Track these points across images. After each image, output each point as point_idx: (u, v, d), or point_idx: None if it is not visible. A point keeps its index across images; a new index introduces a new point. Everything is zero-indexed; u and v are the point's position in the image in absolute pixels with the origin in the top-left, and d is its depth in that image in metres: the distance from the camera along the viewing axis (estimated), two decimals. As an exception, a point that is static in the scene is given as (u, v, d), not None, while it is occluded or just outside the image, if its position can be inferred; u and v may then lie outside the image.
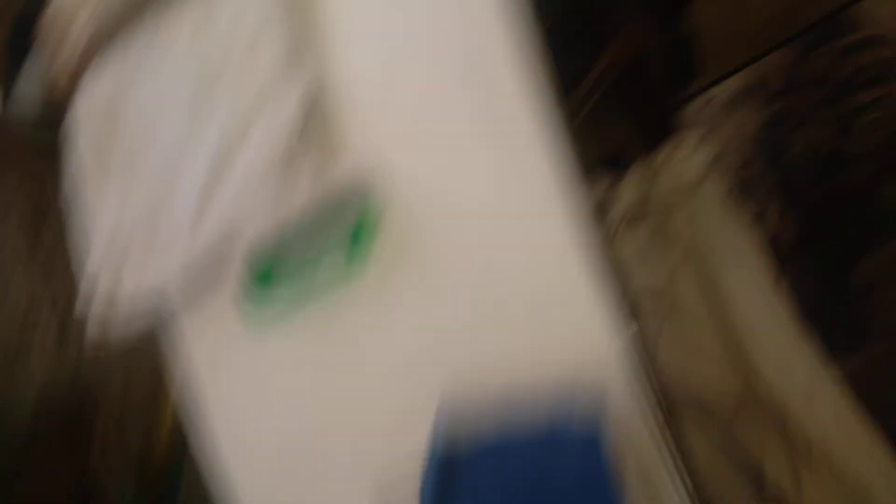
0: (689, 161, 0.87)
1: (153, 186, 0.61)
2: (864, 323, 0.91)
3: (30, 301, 1.08)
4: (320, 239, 0.57)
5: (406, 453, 0.51)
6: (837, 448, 0.75)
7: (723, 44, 1.19)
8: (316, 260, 0.56)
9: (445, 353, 0.55)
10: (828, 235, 1.04)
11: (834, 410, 0.78)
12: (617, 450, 0.48)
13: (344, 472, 0.56)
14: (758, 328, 0.78)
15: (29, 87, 0.68)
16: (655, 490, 0.49)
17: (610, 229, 0.89)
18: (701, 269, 0.84)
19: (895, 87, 1.24)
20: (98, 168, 0.63)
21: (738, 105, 1.16)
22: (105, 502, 1.06)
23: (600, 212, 0.91)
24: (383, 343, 0.57)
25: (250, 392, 0.59)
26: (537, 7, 0.55)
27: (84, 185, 0.63)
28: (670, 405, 0.50)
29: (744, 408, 0.80)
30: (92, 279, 0.59)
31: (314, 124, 0.58)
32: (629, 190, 0.91)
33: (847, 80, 1.26)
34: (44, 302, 1.09)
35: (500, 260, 0.55)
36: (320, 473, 0.57)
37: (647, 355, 0.51)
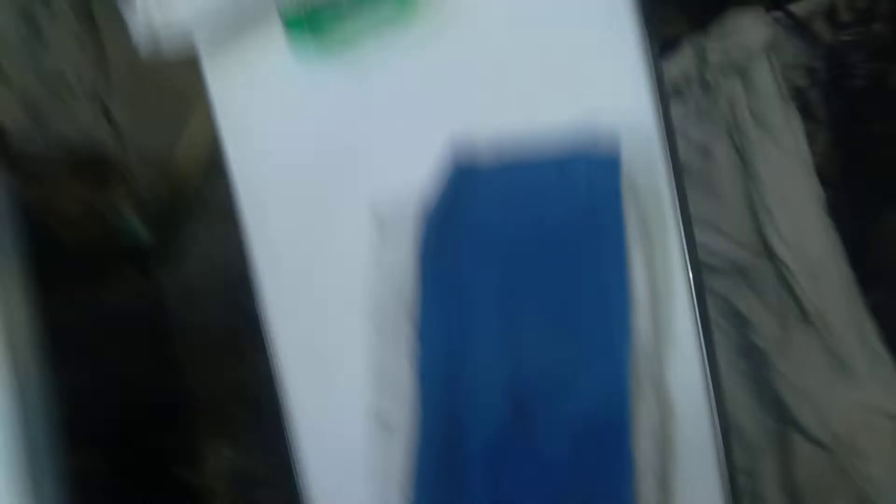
0: (745, 39, 0.83)
1: None
2: (875, 271, 0.90)
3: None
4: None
5: (414, 188, 0.53)
6: (832, 318, 0.78)
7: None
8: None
9: (470, 97, 0.55)
10: (871, 176, 1.02)
11: (837, 293, 0.81)
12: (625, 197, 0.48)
13: (352, 201, 0.57)
14: (780, 213, 0.78)
15: None
16: (653, 250, 0.48)
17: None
18: (738, 147, 0.84)
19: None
20: None
21: (805, 26, 1.11)
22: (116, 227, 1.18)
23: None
24: (407, 81, 0.56)
25: (272, 120, 0.60)
26: None
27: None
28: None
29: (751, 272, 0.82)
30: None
31: None
32: (677, 64, 0.88)
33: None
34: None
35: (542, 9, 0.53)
36: (328, 200, 0.58)
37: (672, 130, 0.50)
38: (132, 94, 1.24)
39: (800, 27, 1.13)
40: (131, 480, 1.09)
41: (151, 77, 1.15)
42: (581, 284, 0.48)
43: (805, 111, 1.03)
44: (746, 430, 0.81)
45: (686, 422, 0.47)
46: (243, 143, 0.60)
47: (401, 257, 0.53)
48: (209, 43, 0.59)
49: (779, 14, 1.13)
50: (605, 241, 0.47)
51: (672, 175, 0.48)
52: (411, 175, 0.53)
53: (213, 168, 0.82)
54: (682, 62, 0.89)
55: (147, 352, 1.17)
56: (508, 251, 0.50)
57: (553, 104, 0.52)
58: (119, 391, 1.08)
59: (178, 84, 0.86)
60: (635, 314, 0.46)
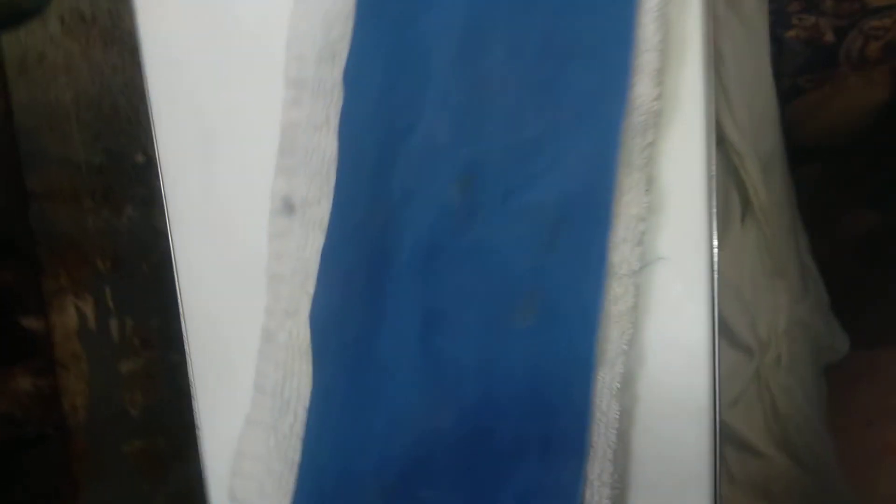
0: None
1: None
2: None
3: None
4: None
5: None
6: (774, 217, 0.73)
7: None
8: None
9: None
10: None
11: (780, 194, 0.76)
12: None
13: None
14: (737, 98, 0.72)
15: None
16: None
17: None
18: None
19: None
20: None
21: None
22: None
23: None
24: None
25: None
26: None
27: None
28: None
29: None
30: None
31: None
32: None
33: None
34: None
35: None
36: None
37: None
38: None
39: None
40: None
41: None
42: (571, 22, 0.36)
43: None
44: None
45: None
46: None
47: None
48: None
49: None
50: None
51: None
52: None
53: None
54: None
55: None
56: None
57: None
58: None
59: None
60: (638, 70, 0.35)
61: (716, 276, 0.37)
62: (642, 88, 0.33)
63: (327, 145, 0.39)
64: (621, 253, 0.34)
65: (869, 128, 1.12)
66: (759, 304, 0.72)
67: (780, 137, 0.77)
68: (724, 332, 0.72)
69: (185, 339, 0.44)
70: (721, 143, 0.72)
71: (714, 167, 0.35)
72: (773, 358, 0.72)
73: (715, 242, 0.36)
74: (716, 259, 0.36)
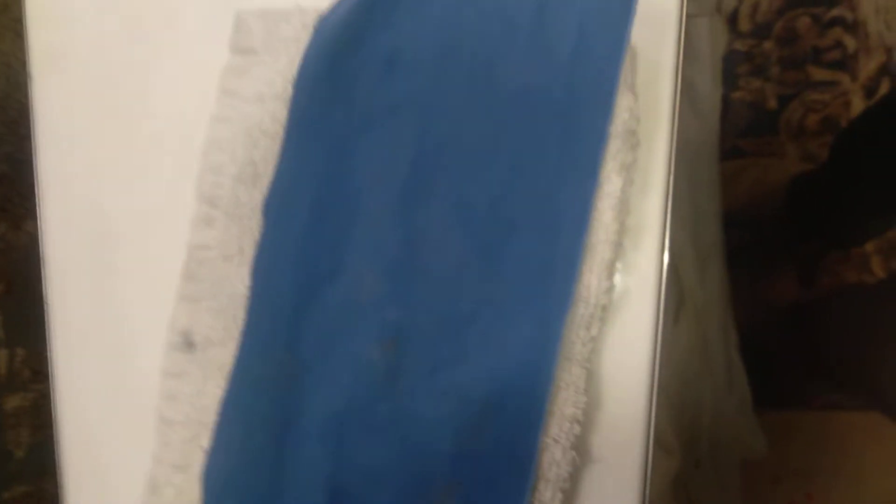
0: None
1: None
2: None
3: None
4: None
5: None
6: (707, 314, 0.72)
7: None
8: None
9: None
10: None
11: (714, 291, 0.75)
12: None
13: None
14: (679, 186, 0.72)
15: None
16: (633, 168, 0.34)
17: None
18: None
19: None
20: None
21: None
22: None
23: None
24: None
25: None
26: None
27: None
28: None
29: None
30: None
31: None
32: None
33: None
34: None
35: None
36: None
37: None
38: None
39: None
40: None
41: None
42: (525, 188, 0.32)
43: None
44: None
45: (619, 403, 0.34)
46: None
47: (267, 90, 0.34)
48: None
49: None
50: (579, 129, 0.31)
51: (679, 54, 0.34)
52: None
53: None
54: None
55: None
56: (431, 111, 0.33)
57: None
58: None
59: None
60: (590, 256, 0.32)
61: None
62: (592, 279, 0.30)
63: (238, 279, 0.35)
64: (551, 455, 0.31)
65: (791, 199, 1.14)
66: (684, 402, 0.72)
67: (719, 227, 0.76)
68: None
69: (57, 468, 0.38)
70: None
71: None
72: (693, 459, 0.72)
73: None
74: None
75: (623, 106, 0.32)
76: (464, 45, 0.33)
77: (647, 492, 0.34)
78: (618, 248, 0.30)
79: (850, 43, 1.24)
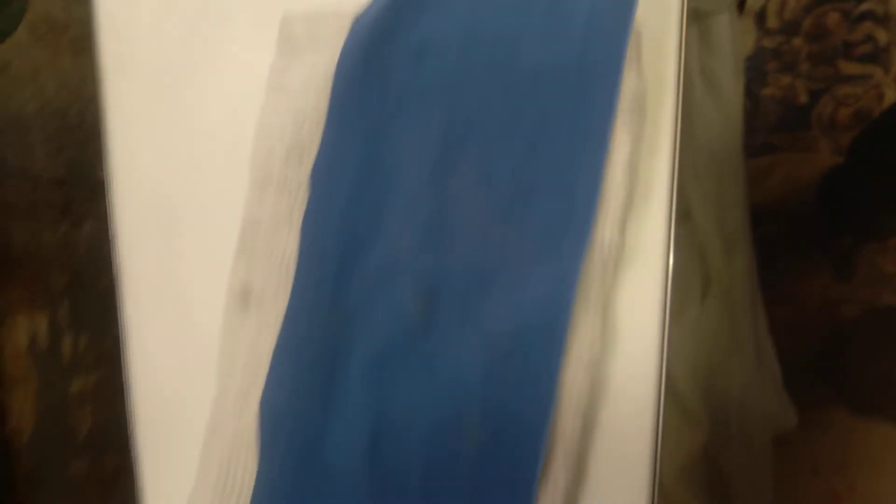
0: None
1: None
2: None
3: None
4: None
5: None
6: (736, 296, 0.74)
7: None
8: None
9: None
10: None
11: (744, 274, 0.76)
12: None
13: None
14: (706, 175, 0.74)
15: None
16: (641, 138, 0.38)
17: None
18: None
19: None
20: None
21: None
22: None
23: None
24: None
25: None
26: None
27: None
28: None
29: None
30: None
31: None
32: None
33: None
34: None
35: None
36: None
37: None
38: None
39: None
40: None
41: None
42: (543, 158, 0.36)
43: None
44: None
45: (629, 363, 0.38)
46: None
47: (311, 82, 0.39)
48: None
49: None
50: (591, 103, 0.36)
51: (681, 38, 0.38)
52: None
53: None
54: None
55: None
56: (458, 93, 0.38)
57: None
58: None
59: None
60: (602, 214, 0.36)
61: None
62: (605, 233, 0.34)
63: (288, 244, 0.39)
64: (571, 382, 0.35)
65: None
66: (714, 380, 0.74)
67: (745, 215, 0.78)
68: (678, 405, 0.73)
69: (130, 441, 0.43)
70: (686, 221, 0.74)
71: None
72: (723, 432, 0.74)
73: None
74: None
75: (629, 81, 0.35)
76: (485, 33, 0.37)
77: (660, 440, 0.37)
78: (628, 207, 0.34)
79: (882, 36, 1.24)
